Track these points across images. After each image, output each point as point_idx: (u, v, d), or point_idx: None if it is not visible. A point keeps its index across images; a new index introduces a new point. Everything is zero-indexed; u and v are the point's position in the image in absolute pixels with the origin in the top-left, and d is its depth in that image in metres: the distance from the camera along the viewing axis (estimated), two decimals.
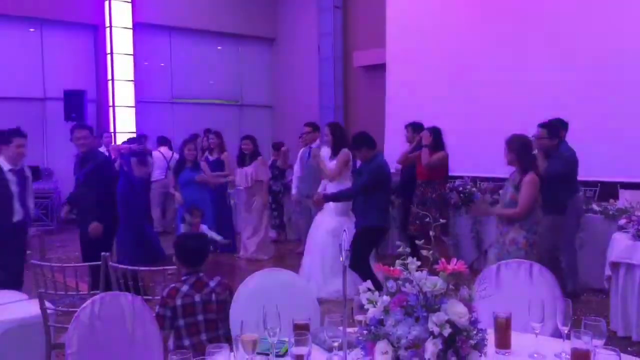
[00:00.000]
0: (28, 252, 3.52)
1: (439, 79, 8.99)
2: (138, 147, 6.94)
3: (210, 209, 6.47)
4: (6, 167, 4.47)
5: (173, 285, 2.99)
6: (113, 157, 7.27)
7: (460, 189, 6.99)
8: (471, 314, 1.77)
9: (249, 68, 13.22)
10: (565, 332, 2.16)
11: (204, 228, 6.01)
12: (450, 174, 6.43)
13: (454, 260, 1.85)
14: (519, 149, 4.17)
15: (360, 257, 4.92)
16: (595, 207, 5.96)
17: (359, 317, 2.07)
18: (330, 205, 5.67)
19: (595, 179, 6.49)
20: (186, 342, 2.90)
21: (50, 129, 10.48)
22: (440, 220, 4.32)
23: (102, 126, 10.91)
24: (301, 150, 7.44)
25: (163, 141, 9.50)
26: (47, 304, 3.39)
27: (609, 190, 6.36)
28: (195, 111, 12.25)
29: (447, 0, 9.21)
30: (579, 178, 5.38)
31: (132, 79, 11.08)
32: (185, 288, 2.94)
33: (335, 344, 2.07)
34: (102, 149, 8.30)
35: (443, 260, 1.85)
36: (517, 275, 2.89)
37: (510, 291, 2.76)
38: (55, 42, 10.85)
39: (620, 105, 6.98)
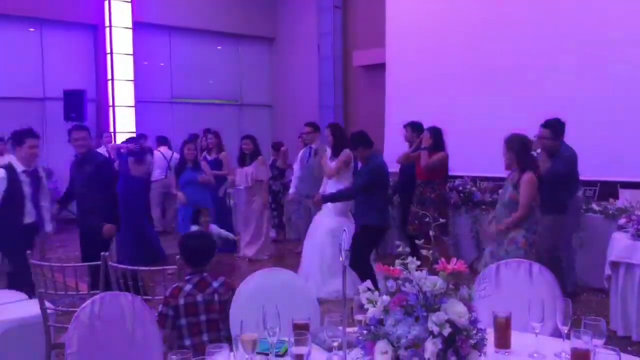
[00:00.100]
0: (28, 252, 3.49)
1: (438, 78, 8.99)
2: (135, 146, 6.94)
3: (210, 209, 6.47)
4: (19, 168, 4.42)
5: (176, 284, 2.99)
6: (112, 156, 7.28)
7: (460, 188, 7.00)
8: (471, 314, 1.77)
9: (248, 68, 13.22)
10: (565, 331, 2.16)
11: (213, 228, 6.01)
12: (450, 173, 6.42)
13: (454, 259, 1.85)
14: (517, 148, 4.18)
15: (360, 257, 4.92)
16: (595, 206, 5.96)
17: (358, 317, 2.07)
18: (330, 205, 5.67)
19: (595, 178, 6.48)
20: (187, 342, 2.90)
21: (50, 129, 10.47)
22: (440, 220, 4.31)
23: (102, 126, 10.92)
24: (301, 151, 7.44)
25: (162, 141, 9.50)
26: (47, 304, 3.39)
27: (608, 190, 6.36)
28: (195, 111, 12.26)
29: (447, 0, 9.20)
30: (580, 177, 5.38)
31: (132, 78, 11.08)
32: (188, 287, 2.94)
33: (335, 344, 2.07)
34: (102, 149, 8.31)
35: (443, 259, 1.85)
36: (516, 275, 2.89)
37: (510, 291, 2.76)
38: (55, 42, 10.85)
39: (620, 104, 6.97)
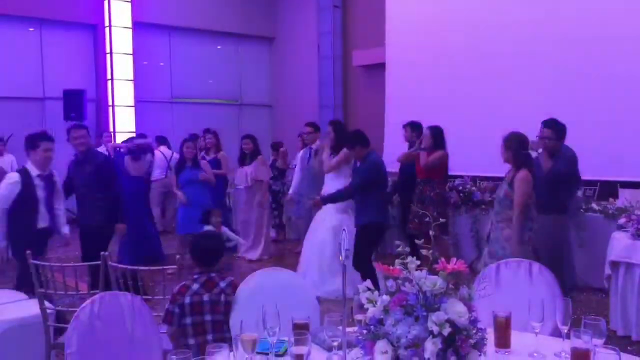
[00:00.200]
0: (27, 252, 3.49)
1: (438, 78, 8.99)
2: (132, 145, 6.94)
3: (209, 208, 6.46)
4: (34, 172, 4.34)
5: (184, 282, 3.00)
6: (112, 156, 7.27)
7: (460, 188, 7.00)
8: (471, 313, 1.77)
9: (248, 67, 13.22)
10: (565, 331, 2.16)
11: (224, 230, 6.01)
12: (450, 173, 6.42)
13: (454, 259, 1.85)
14: (514, 146, 4.19)
15: (363, 257, 4.92)
16: (595, 206, 5.97)
17: (358, 317, 2.07)
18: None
19: (595, 178, 6.48)
20: (191, 341, 2.90)
21: (49, 128, 10.45)
22: (440, 219, 4.31)
23: (102, 126, 10.91)
24: (301, 151, 7.45)
25: (162, 141, 9.50)
26: (47, 304, 3.39)
27: (608, 190, 6.36)
28: (194, 110, 12.26)
29: (447, 0, 9.20)
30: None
31: (132, 78, 11.08)
32: (195, 286, 2.94)
33: (335, 344, 2.07)
34: (102, 149, 8.31)
35: (443, 259, 1.85)
36: (516, 275, 2.89)
37: (510, 290, 2.76)
38: (54, 42, 10.84)
39: (620, 104, 6.97)
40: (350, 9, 12.06)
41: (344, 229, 1.96)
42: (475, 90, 8.46)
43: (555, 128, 4.67)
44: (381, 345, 1.75)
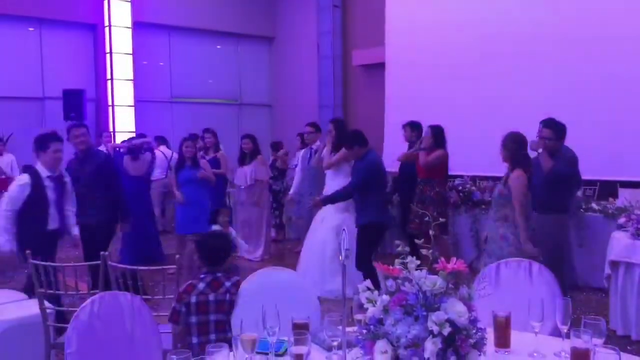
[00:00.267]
0: (27, 251, 3.49)
1: (438, 77, 8.98)
2: (131, 144, 6.93)
3: (207, 208, 6.45)
4: (44, 173, 4.30)
5: (190, 281, 3.02)
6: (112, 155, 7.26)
7: (460, 187, 7.00)
8: (471, 313, 1.77)
9: (248, 67, 13.21)
10: (565, 331, 2.16)
11: (232, 231, 5.99)
12: (450, 173, 6.42)
13: (454, 259, 1.85)
14: (512, 146, 4.21)
15: (363, 257, 4.91)
16: (594, 206, 5.97)
17: (358, 316, 2.07)
18: None
19: (595, 177, 6.48)
20: (195, 340, 2.91)
21: (49, 128, 10.45)
22: (440, 219, 4.32)
23: (102, 125, 10.91)
24: (302, 151, 7.45)
25: (161, 140, 9.50)
26: (47, 304, 3.38)
27: (608, 189, 6.36)
28: (194, 110, 12.25)
29: None
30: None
31: (132, 78, 11.07)
32: (201, 286, 2.95)
33: (335, 343, 2.07)
34: (102, 148, 8.31)
35: (442, 259, 1.85)
36: (516, 274, 2.89)
37: (510, 290, 2.76)
38: (54, 42, 10.84)
39: (619, 103, 6.97)
40: (350, 8, 12.05)
41: (343, 229, 1.96)
42: (475, 90, 8.46)
43: (555, 128, 4.68)
44: (381, 345, 1.75)
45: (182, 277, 4.23)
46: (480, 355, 1.77)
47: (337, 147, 5.85)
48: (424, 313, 1.72)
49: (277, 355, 2.16)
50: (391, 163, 6.92)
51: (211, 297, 2.93)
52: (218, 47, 12.98)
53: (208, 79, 12.70)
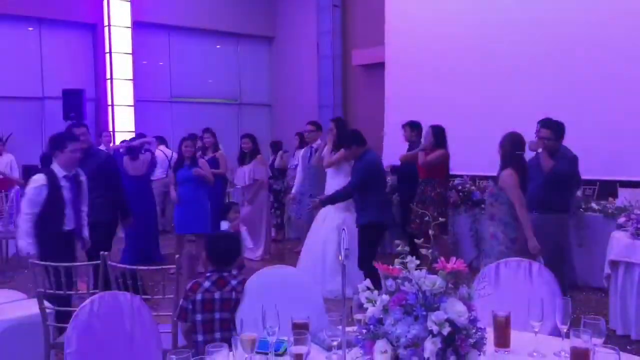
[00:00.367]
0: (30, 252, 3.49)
1: (438, 77, 8.98)
2: (130, 145, 6.92)
3: (206, 208, 6.44)
4: (61, 173, 4.22)
5: (196, 280, 3.04)
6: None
7: (460, 187, 7.00)
8: (470, 313, 1.77)
9: (247, 67, 13.22)
10: (565, 330, 2.16)
11: (243, 231, 5.96)
12: (450, 172, 6.42)
13: (453, 258, 1.85)
14: (506, 146, 4.24)
15: (366, 257, 4.90)
16: (594, 205, 5.97)
17: (358, 316, 2.07)
18: None
19: (595, 177, 6.48)
20: (200, 338, 2.92)
21: (48, 128, 10.46)
22: (440, 219, 4.32)
23: (101, 125, 10.91)
24: (302, 150, 7.45)
25: (160, 140, 9.50)
26: (46, 304, 3.38)
27: (608, 189, 6.36)
28: (194, 110, 12.25)
29: None
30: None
31: (131, 78, 11.07)
32: (207, 284, 2.96)
33: (334, 343, 2.07)
34: (102, 148, 8.30)
35: (442, 258, 1.85)
36: (516, 274, 2.89)
37: (510, 290, 2.76)
38: (53, 41, 10.84)
39: (619, 103, 6.97)
40: (349, 8, 12.05)
41: (343, 229, 1.96)
42: (474, 90, 8.46)
43: (553, 128, 4.68)
44: (380, 344, 1.75)
45: (182, 277, 4.22)
46: (480, 354, 1.77)
47: (338, 146, 5.85)
48: (424, 313, 1.72)
49: (276, 355, 2.16)
50: (390, 163, 6.93)
51: (217, 295, 2.94)
52: (218, 46, 12.98)
53: (208, 78, 12.70)
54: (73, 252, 4.36)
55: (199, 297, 2.93)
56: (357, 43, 11.73)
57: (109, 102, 10.89)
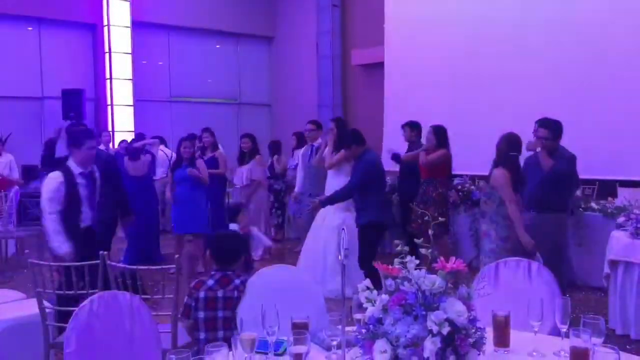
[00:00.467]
0: (26, 251, 3.49)
1: (437, 77, 8.98)
2: (130, 147, 6.92)
3: (204, 208, 6.44)
4: (77, 170, 4.20)
5: (200, 278, 3.06)
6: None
7: (459, 187, 7.00)
8: (470, 313, 1.77)
9: (247, 66, 13.21)
10: (564, 330, 2.16)
11: (254, 231, 5.95)
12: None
13: (453, 258, 1.85)
14: (502, 146, 4.27)
15: (366, 257, 4.91)
16: (594, 205, 5.97)
17: (357, 316, 2.07)
18: None
19: (594, 177, 6.48)
20: (202, 336, 2.93)
21: (48, 128, 10.46)
22: (439, 218, 4.33)
23: (101, 125, 10.90)
24: (303, 149, 7.45)
25: (160, 140, 9.49)
26: (46, 303, 3.38)
27: (607, 188, 6.36)
28: (193, 110, 12.25)
29: None
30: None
31: (131, 77, 11.07)
32: (210, 282, 2.98)
33: (334, 343, 2.07)
34: (101, 148, 8.30)
35: (442, 258, 1.85)
36: (515, 274, 2.89)
37: (509, 289, 2.76)
38: (53, 41, 10.84)
39: (618, 103, 6.97)
40: (349, 8, 12.05)
41: (343, 228, 1.95)
42: (474, 90, 8.45)
43: (551, 127, 4.68)
44: (380, 344, 1.75)
45: (182, 277, 4.22)
46: (479, 354, 1.77)
47: (339, 147, 5.85)
48: (423, 312, 1.72)
49: (276, 354, 2.16)
50: (389, 162, 6.92)
51: (220, 293, 2.95)
52: (217, 46, 12.98)
53: (207, 78, 12.70)
54: (94, 249, 4.34)
55: (202, 294, 2.94)
56: (357, 43, 11.73)
57: (109, 102, 10.90)
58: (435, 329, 1.68)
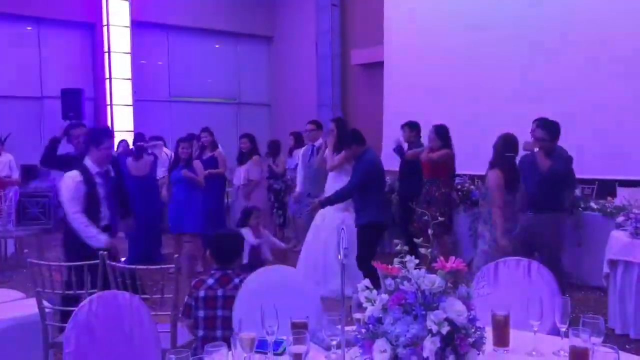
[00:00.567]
0: (25, 250, 3.49)
1: (437, 77, 8.98)
2: (130, 149, 6.92)
3: (200, 208, 6.43)
4: (94, 169, 4.19)
5: (200, 277, 3.07)
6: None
7: (459, 187, 7.00)
8: (469, 312, 1.77)
9: (246, 66, 13.21)
10: (564, 329, 2.16)
11: (265, 233, 5.93)
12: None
13: (452, 258, 1.85)
14: (498, 147, 4.28)
15: (365, 257, 4.90)
16: (593, 204, 5.97)
17: (357, 316, 2.07)
18: None
19: (593, 176, 6.49)
20: (200, 333, 2.94)
21: (47, 127, 10.45)
22: (439, 218, 4.33)
23: (100, 125, 10.89)
24: (303, 149, 7.44)
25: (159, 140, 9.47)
26: (45, 303, 3.38)
27: (607, 188, 6.36)
28: (193, 109, 12.24)
29: None
30: (578, 176, 5.39)
31: (130, 77, 11.06)
32: (210, 281, 2.99)
33: (334, 343, 2.07)
34: None
35: (441, 258, 1.85)
36: (515, 273, 2.89)
37: (509, 289, 2.76)
38: (52, 41, 10.83)
39: (618, 102, 6.97)
40: (348, 7, 12.05)
41: (342, 228, 1.95)
42: (473, 89, 8.46)
43: (549, 129, 4.69)
44: (380, 344, 1.75)
45: (182, 277, 4.22)
46: (479, 354, 1.77)
47: (339, 148, 5.85)
48: (423, 312, 1.72)
49: (275, 354, 2.16)
50: (389, 162, 6.92)
51: (219, 292, 2.96)
52: (217, 46, 12.97)
53: (207, 78, 12.69)
54: (115, 250, 4.32)
55: (201, 293, 2.95)
56: (356, 43, 11.72)
57: (108, 102, 10.89)
58: (434, 328, 1.68)
